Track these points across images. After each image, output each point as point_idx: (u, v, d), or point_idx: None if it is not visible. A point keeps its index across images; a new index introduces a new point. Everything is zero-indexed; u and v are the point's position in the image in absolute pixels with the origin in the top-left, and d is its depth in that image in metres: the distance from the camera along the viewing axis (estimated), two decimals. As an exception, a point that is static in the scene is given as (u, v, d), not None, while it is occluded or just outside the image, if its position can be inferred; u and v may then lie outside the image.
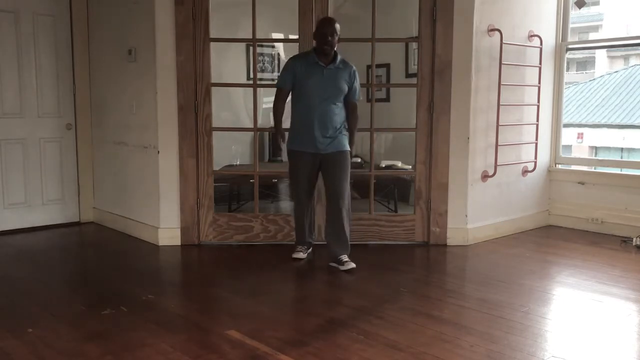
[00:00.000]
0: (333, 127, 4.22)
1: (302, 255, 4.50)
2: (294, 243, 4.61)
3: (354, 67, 4.33)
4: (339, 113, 4.25)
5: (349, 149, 4.32)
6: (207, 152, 4.88)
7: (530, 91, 5.42)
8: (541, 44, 5.40)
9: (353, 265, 4.24)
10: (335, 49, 4.22)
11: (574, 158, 6.65)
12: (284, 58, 6.80)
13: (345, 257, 4.28)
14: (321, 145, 4.22)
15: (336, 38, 4.17)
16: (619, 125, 13.82)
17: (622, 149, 13.59)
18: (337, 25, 4.18)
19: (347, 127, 4.33)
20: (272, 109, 4.40)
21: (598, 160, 7.27)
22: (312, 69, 4.20)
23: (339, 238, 4.29)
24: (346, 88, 4.25)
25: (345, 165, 4.28)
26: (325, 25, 4.17)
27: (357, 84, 4.33)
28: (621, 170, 5.67)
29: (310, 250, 4.60)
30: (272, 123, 4.52)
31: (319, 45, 4.19)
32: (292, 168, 4.40)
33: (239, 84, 6.45)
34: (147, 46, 4.88)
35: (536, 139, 5.51)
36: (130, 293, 3.78)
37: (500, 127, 5.04)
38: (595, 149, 14.11)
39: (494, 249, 4.91)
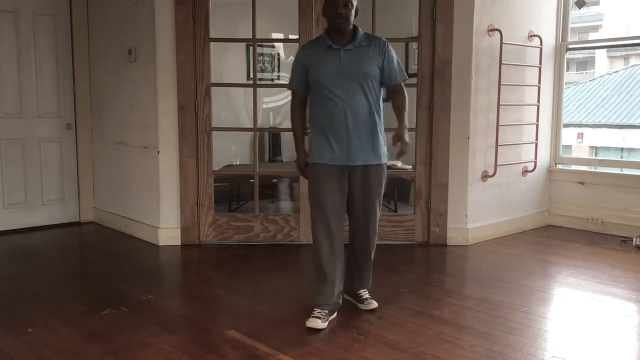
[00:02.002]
0: (363, 128, 3.18)
1: (319, 323, 3.14)
2: (313, 299, 3.31)
3: (384, 40, 3.27)
4: (370, 108, 3.20)
5: (385, 160, 3.31)
6: (207, 152, 4.88)
7: (530, 91, 5.42)
8: (541, 44, 5.40)
9: (375, 304, 3.44)
10: (352, 24, 3.21)
11: (574, 158, 6.65)
12: (284, 58, 6.80)
13: (365, 294, 3.49)
14: (349, 154, 3.19)
15: (352, 10, 3.17)
16: (619, 125, 13.82)
17: (622, 149, 13.59)
18: None
19: (382, 129, 3.28)
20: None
21: (598, 160, 7.27)
22: (326, 55, 3.19)
23: (360, 271, 3.49)
24: (376, 70, 3.20)
25: (379, 185, 3.31)
26: None
27: (394, 61, 3.25)
28: (621, 170, 5.67)
29: (334, 316, 3.30)
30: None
31: (331, 21, 3.19)
32: (311, 187, 3.29)
33: (239, 84, 6.45)
34: (147, 46, 4.88)
35: (536, 139, 5.51)
36: (130, 293, 3.78)
37: (500, 127, 5.04)
38: (595, 149, 14.11)
39: (494, 249, 4.91)
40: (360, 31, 3.26)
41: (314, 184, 3.28)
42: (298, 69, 3.31)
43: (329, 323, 3.23)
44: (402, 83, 3.31)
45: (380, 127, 3.28)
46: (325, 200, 3.23)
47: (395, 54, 3.30)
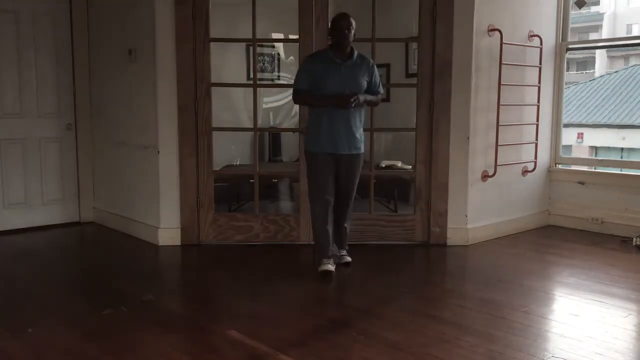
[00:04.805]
0: (352, 127, 4.09)
1: (331, 267, 4.13)
2: (317, 254, 4.22)
3: (372, 61, 4.25)
4: (358, 112, 4.12)
5: (363, 151, 4.24)
6: (207, 152, 4.88)
7: (530, 91, 5.41)
8: (541, 44, 5.40)
9: (349, 259, 4.36)
10: (351, 44, 4.10)
11: (574, 158, 6.65)
12: (284, 58, 6.80)
13: (342, 252, 4.38)
14: (340, 146, 4.08)
15: (352, 32, 4.05)
16: (619, 125, 13.82)
17: (622, 149, 13.60)
18: (353, 20, 4.07)
19: (363, 129, 4.23)
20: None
21: (598, 160, 7.28)
22: (329, 66, 4.05)
23: (339, 236, 4.35)
24: (365, 83, 4.12)
25: (359, 169, 4.24)
26: (342, 19, 4.05)
27: (377, 78, 4.21)
28: (621, 170, 5.67)
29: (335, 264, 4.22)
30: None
31: (336, 40, 4.06)
32: (310, 171, 4.20)
33: (239, 84, 6.44)
34: (147, 46, 4.88)
35: (536, 139, 5.51)
36: (130, 293, 3.78)
37: (500, 127, 5.04)
38: (595, 149, 14.11)
39: (494, 249, 4.91)
40: (356, 51, 4.14)
41: (312, 166, 4.18)
42: (305, 72, 4.13)
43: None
44: (380, 94, 4.29)
45: (362, 126, 4.19)
46: (320, 177, 4.14)
47: (378, 72, 4.26)
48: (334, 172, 4.18)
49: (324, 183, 4.13)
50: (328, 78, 4.03)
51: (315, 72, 4.07)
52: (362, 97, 4.04)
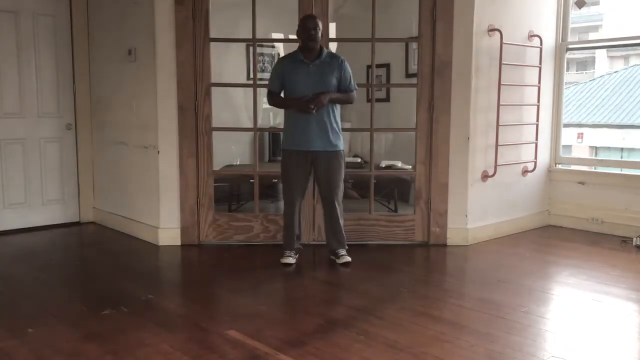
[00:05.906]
0: (326, 124, 4.18)
1: (291, 260, 4.39)
2: (281, 247, 4.48)
3: (342, 58, 4.29)
4: (330, 110, 4.21)
5: (341, 148, 4.31)
6: (207, 152, 4.88)
7: (530, 91, 5.42)
8: (541, 44, 5.40)
9: (349, 259, 4.36)
10: (319, 44, 4.22)
11: (574, 158, 6.65)
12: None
13: (342, 252, 4.40)
14: (313, 143, 4.19)
15: (319, 33, 4.18)
16: (619, 125, 13.81)
17: (622, 149, 13.58)
18: (319, 21, 4.22)
19: (340, 126, 4.30)
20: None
21: (598, 160, 7.26)
22: (298, 66, 4.19)
23: (335, 235, 4.41)
24: (334, 80, 4.20)
25: (337, 165, 4.29)
26: (307, 20, 4.20)
27: (347, 75, 4.25)
28: (621, 170, 5.67)
29: (297, 255, 4.48)
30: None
31: (303, 41, 4.19)
32: (284, 168, 4.36)
33: (239, 84, 6.44)
34: (147, 46, 4.88)
35: (536, 139, 5.51)
36: (130, 293, 3.78)
37: (500, 127, 5.04)
38: (595, 149, 14.10)
39: (494, 249, 4.91)
40: (325, 50, 4.28)
41: (285, 165, 4.34)
42: (276, 74, 4.30)
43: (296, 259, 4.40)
44: (353, 91, 4.31)
45: (337, 123, 4.25)
46: (291, 176, 4.31)
47: (350, 69, 4.28)
48: (309, 170, 4.31)
49: (293, 181, 4.30)
50: (297, 78, 4.18)
51: (284, 73, 4.23)
52: (325, 98, 4.12)
